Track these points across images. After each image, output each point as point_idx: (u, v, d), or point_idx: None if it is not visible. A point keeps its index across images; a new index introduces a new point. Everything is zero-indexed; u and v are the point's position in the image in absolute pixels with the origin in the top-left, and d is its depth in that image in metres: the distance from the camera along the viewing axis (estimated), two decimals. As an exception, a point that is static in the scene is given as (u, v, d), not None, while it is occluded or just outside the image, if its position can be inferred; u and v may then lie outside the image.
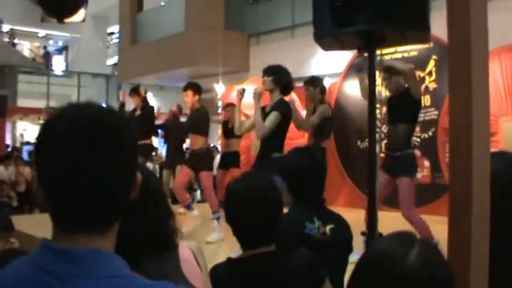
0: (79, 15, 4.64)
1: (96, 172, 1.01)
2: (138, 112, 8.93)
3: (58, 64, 25.19)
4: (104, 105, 1.14)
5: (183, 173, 7.63)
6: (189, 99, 7.39)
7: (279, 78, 5.90)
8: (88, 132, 1.02)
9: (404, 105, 6.03)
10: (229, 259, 2.13)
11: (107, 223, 1.06)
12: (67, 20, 4.47)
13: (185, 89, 7.47)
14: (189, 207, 7.66)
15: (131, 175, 1.09)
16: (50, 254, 1.01)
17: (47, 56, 25.18)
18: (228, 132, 8.87)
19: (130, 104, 9.56)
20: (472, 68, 1.30)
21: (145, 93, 8.99)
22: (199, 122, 7.47)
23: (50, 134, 1.05)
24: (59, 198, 1.03)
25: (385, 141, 7.06)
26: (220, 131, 9.05)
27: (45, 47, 25.87)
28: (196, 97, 7.41)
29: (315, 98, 7.60)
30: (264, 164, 5.50)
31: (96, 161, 1.01)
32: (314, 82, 7.79)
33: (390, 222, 5.97)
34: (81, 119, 1.04)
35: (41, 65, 24.15)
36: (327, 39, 3.16)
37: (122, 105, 9.36)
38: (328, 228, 2.61)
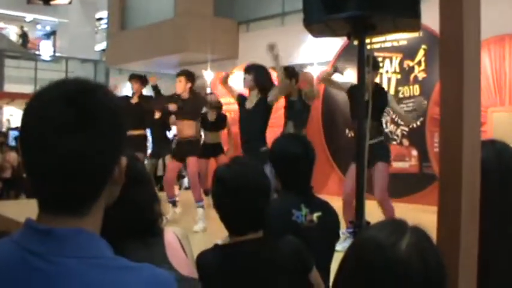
0: (65, -3, 4.58)
1: (73, 154, 0.99)
2: (135, 100, 8.72)
3: (46, 49, 25.00)
4: (91, 81, 1.11)
5: (171, 167, 7.57)
6: (181, 85, 7.34)
7: (258, 79, 6.05)
8: (66, 113, 1.00)
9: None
10: (216, 245, 2.12)
11: (87, 205, 1.05)
12: (53, 2, 4.42)
13: (179, 75, 7.44)
14: (173, 203, 7.59)
15: (112, 157, 1.07)
16: (32, 234, 1.00)
17: (23, 36, 24.86)
18: (207, 124, 8.91)
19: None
20: (464, 59, 1.28)
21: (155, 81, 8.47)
22: (197, 108, 7.54)
23: (29, 115, 1.04)
24: (39, 180, 1.03)
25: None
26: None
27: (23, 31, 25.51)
28: (189, 85, 7.37)
29: (292, 89, 7.55)
30: (254, 156, 5.60)
31: (73, 143, 0.99)
32: (289, 73, 7.81)
33: (377, 211, 6.02)
34: (59, 100, 1.02)
35: (29, 50, 23.97)
36: (317, 25, 3.13)
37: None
38: (315, 215, 2.60)
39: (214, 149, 8.80)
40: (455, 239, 1.31)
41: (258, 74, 6.13)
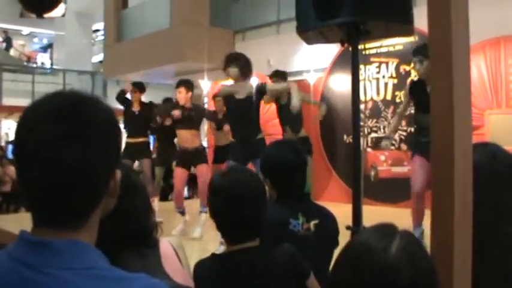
0: (59, 10, 4.60)
1: (67, 167, 0.99)
2: (137, 108, 8.75)
3: (44, 61, 25.04)
4: (85, 94, 1.11)
5: (179, 176, 7.50)
6: (182, 96, 7.36)
7: (243, 69, 6.15)
8: (58, 126, 1.00)
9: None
10: (213, 254, 2.12)
11: (82, 217, 1.05)
12: (46, 15, 4.42)
13: (178, 85, 7.46)
14: (182, 213, 7.59)
15: (107, 170, 1.07)
16: (26, 246, 1.00)
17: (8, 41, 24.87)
18: (219, 123, 8.79)
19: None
20: (453, 63, 1.29)
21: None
22: (201, 117, 7.60)
23: (22, 129, 1.04)
24: (33, 194, 1.03)
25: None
26: (208, 125, 8.90)
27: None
28: (189, 94, 7.41)
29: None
30: (255, 147, 5.68)
31: (66, 156, 0.99)
32: (279, 77, 8.07)
33: (376, 216, 6.00)
34: (51, 113, 1.02)
35: (26, 63, 24.00)
36: (311, 32, 3.14)
37: (123, 92, 9.02)
38: (312, 223, 2.59)
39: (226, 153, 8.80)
40: (449, 242, 1.31)
41: (242, 65, 6.20)
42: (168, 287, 1.10)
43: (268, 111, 11.32)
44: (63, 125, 1.00)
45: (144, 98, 9.04)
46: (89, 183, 1.03)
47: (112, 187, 1.09)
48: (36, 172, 1.00)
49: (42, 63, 24.94)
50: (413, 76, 9.74)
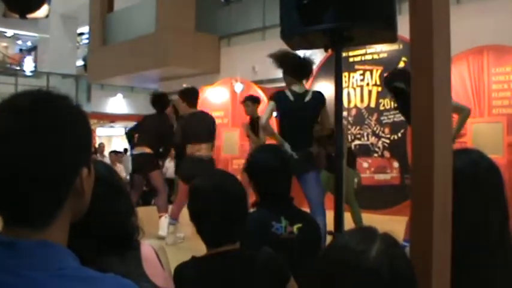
0: (42, 11, 4.56)
1: (20, 164, 0.98)
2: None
3: (27, 64, 24.86)
4: (52, 92, 1.10)
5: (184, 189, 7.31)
6: (182, 107, 7.34)
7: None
8: (15, 123, 1.00)
9: None
10: (193, 257, 2.11)
11: (46, 216, 1.04)
12: (30, 16, 4.39)
13: (179, 95, 7.42)
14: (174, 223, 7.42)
15: (69, 168, 1.06)
16: None
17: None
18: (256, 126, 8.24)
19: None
20: (434, 59, 1.29)
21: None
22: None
23: None
24: None
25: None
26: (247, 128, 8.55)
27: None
28: (185, 104, 7.29)
29: (254, 114, 8.17)
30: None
31: (20, 153, 0.98)
32: (253, 98, 8.36)
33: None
34: (12, 110, 1.02)
35: (10, 65, 23.82)
36: (295, 38, 3.15)
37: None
38: (295, 227, 2.59)
39: None
40: (427, 247, 1.32)
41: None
42: (138, 287, 1.09)
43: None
44: (22, 121, 1.00)
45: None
46: (48, 180, 1.01)
47: (79, 186, 1.08)
48: None
49: (21, 68, 24.69)
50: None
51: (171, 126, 7.69)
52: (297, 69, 5.18)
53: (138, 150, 7.67)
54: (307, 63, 5.25)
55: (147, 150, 7.52)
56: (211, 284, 2.01)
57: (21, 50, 27.06)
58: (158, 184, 7.71)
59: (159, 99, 7.81)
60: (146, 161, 7.59)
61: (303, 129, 5.05)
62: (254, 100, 8.50)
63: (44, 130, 1.01)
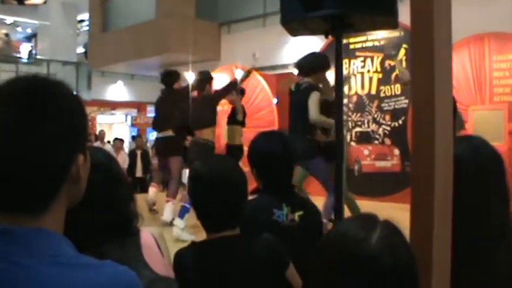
0: (40, -3, 4.52)
1: (17, 151, 0.98)
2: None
3: (23, 51, 24.78)
4: (47, 79, 1.10)
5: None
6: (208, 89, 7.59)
7: None
8: (9, 111, 1.00)
9: None
10: (193, 243, 2.12)
11: (40, 202, 1.03)
12: (28, 2, 4.37)
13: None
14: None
15: (65, 155, 1.05)
16: None
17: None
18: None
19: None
20: (435, 46, 1.28)
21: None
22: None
23: None
24: None
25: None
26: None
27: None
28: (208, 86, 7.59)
29: (237, 103, 8.42)
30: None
31: (16, 141, 0.98)
32: (242, 90, 8.60)
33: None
34: (5, 98, 1.02)
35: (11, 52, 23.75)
36: (295, 24, 3.13)
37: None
38: (297, 214, 2.59)
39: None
40: (428, 235, 1.31)
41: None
42: (135, 273, 1.09)
43: (253, 103, 11.33)
44: (18, 107, 1.00)
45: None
46: (43, 167, 1.01)
47: (74, 173, 1.07)
48: None
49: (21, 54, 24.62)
50: (398, 71, 9.81)
51: (183, 98, 7.92)
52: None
53: (161, 134, 7.94)
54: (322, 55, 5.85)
55: (170, 133, 7.76)
56: (210, 269, 2.01)
57: (26, 37, 26.94)
58: (173, 169, 7.86)
59: (169, 74, 8.08)
60: (167, 145, 7.83)
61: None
62: (242, 92, 8.70)
63: (40, 117, 1.01)
